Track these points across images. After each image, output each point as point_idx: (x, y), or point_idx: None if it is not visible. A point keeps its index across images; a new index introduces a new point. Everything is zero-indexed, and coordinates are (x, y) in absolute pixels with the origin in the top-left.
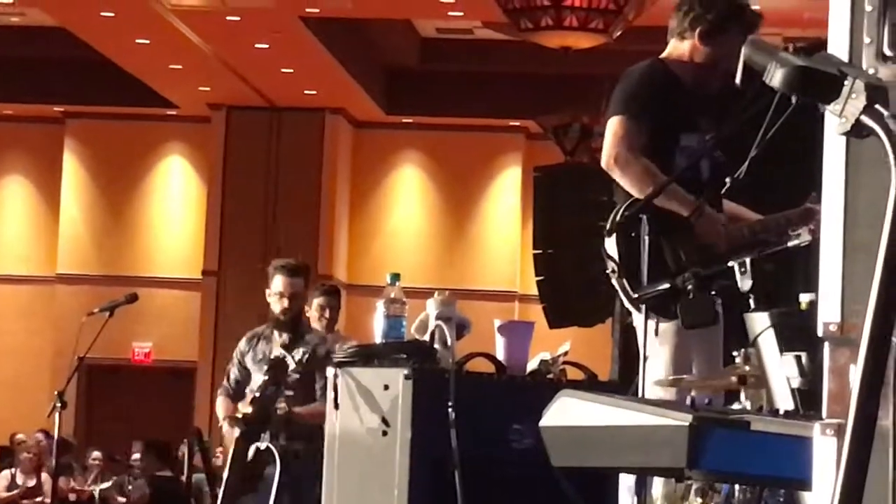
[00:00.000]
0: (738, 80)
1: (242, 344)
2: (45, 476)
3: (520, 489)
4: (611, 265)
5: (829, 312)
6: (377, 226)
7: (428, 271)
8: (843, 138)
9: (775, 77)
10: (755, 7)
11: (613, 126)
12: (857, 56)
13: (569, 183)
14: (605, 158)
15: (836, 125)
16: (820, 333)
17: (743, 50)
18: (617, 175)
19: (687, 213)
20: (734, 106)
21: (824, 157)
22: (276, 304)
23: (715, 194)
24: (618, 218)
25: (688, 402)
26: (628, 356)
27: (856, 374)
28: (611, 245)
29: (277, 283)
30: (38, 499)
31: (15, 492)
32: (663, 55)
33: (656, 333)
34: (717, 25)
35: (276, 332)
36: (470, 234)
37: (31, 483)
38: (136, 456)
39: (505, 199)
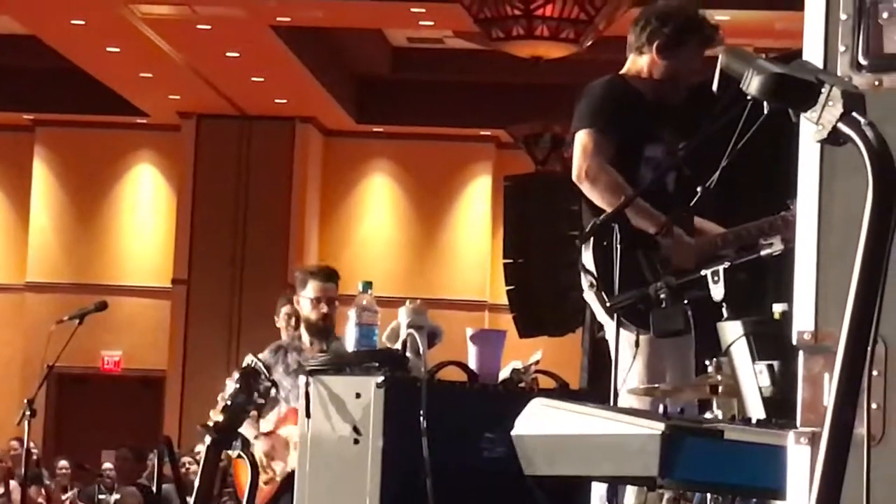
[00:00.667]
0: (714, 87)
1: (266, 356)
2: (13, 484)
3: (491, 498)
4: (588, 279)
5: (803, 321)
6: (347, 235)
7: (398, 280)
8: (818, 146)
9: (752, 84)
10: (724, 17)
11: (582, 140)
12: (832, 64)
13: (539, 192)
14: (576, 171)
15: (813, 133)
16: (794, 342)
17: (720, 57)
18: (587, 188)
19: (654, 231)
20: (698, 116)
21: (799, 164)
22: (313, 311)
23: (684, 205)
24: (590, 227)
25: (660, 410)
26: (597, 365)
27: (832, 382)
28: (587, 258)
29: (311, 288)
30: None
31: None
32: (623, 71)
33: (637, 345)
34: (675, 39)
35: (307, 340)
36: (440, 243)
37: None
38: (108, 465)
39: (475, 208)
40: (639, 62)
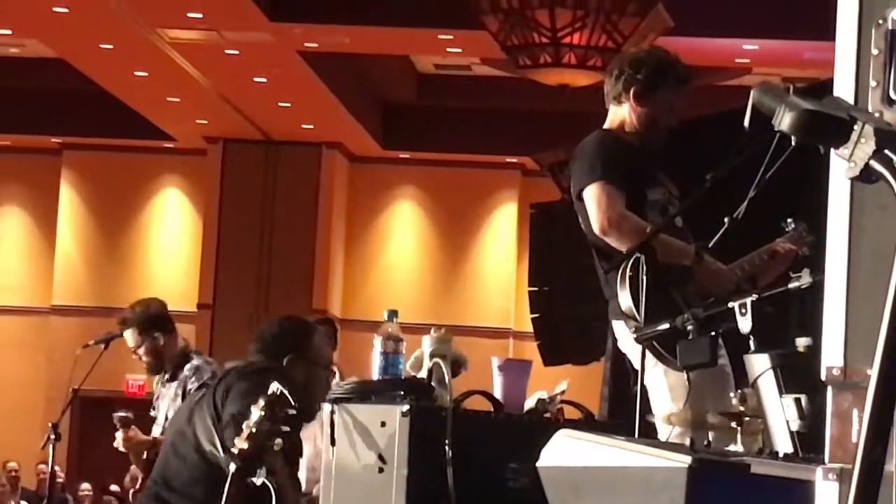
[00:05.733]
0: (746, 121)
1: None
2: None
3: None
4: (632, 325)
5: (831, 356)
6: (372, 260)
7: (422, 307)
8: (847, 182)
9: (784, 121)
10: (753, 46)
11: (594, 193)
12: (863, 99)
13: (565, 220)
14: (598, 225)
15: (845, 170)
16: (822, 378)
17: (752, 93)
18: (614, 237)
19: (689, 263)
20: (685, 154)
21: (829, 200)
22: None
23: (700, 239)
24: (617, 260)
25: (687, 442)
26: (619, 395)
27: (863, 420)
28: (625, 299)
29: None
30: None
31: None
32: (606, 126)
33: (689, 381)
34: (650, 84)
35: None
36: (465, 270)
37: None
38: (114, 487)
39: (500, 235)
40: (620, 113)
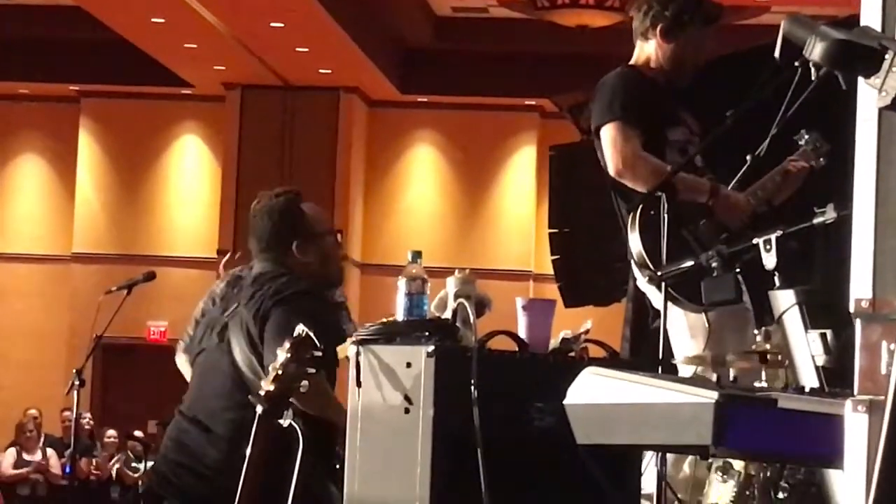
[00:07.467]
0: (777, 52)
1: None
2: (50, 451)
3: (542, 466)
4: (646, 273)
5: (860, 289)
6: (392, 205)
7: (442, 250)
8: (876, 113)
9: (815, 50)
10: None
11: (610, 133)
12: (890, 29)
13: (585, 162)
14: (613, 166)
15: (876, 99)
16: (851, 310)
17: (783, 24)
18: (629, 178)
19: (705, 199)
20: (709, 94)
21: (856, 131)
22: None
23: (727, 174)
24: (636, 200)
25: (714, 378)
26: (640, 335)
27: (894, 351)
28: (635, 243)
29: None
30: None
31: (24, 469)
32: (632, 62)
33: (709, 324)
34: (678, 21)
35: None
36: (484, 213)
37: (37, 458)
38: (138, 433)
39: (520, 178)
40: (646, 49)
